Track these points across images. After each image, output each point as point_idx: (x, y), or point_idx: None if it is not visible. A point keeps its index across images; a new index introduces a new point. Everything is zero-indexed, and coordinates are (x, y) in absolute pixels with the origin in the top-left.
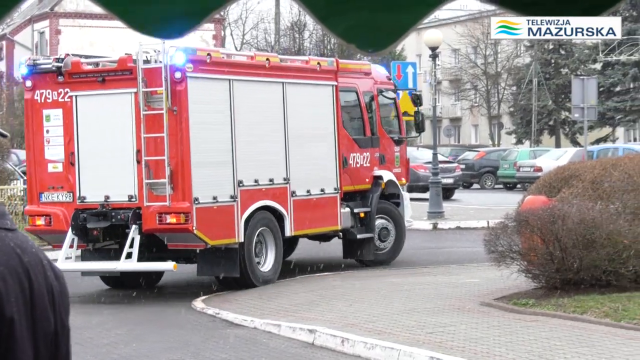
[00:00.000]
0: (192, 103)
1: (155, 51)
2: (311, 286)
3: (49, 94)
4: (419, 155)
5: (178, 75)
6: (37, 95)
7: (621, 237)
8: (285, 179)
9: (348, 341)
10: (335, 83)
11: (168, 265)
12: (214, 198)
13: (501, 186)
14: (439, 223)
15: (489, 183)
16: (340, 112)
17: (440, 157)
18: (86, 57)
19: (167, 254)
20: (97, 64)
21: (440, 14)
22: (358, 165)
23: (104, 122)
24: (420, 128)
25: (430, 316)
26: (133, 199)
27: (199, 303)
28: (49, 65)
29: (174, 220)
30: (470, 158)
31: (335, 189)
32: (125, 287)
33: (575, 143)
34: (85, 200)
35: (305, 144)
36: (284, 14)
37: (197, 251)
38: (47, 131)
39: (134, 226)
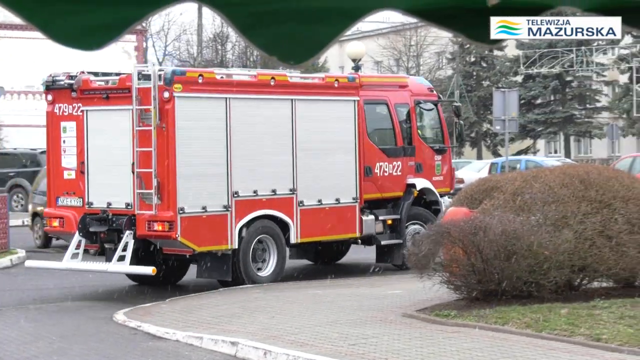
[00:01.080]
0: (180, 120)
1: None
2: (233, 298)
3: (65, 108)
4: None
5: (166, 94)
6: (56, 109)
7: (542, 248)
8: (291, 190)
9: (270, 353)
10: (357, 98)
11: (147, 270)
12: (203, 208)
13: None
14: None
15: None
16: (364, 124)
17: None
18: (96, 74)
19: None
20: (107, 82)
21: (362, 26)
22: (386, 174)
23: (108, 135)
24: (460, 138)
25: (353, 328)
26: (129, 207)
27: (120, 316)
28: (64, 82)
29: (160, 228)
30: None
31: (354, 198)
32: (150, 283)
33: (497, 155)
34: (92, 206)
35: (318, 156)
36: (206, 26)
37: (187, 256)
38: (64, 141)
39: (128, 231)
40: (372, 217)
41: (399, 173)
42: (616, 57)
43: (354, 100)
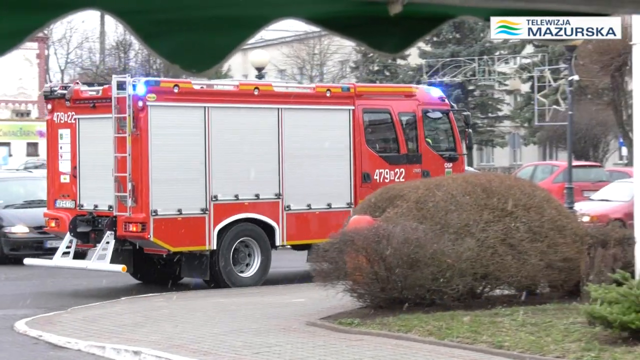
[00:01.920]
0: (154, 128)
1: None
2: (136, 307)
3: (62, 116)
4: None
5: (140, 104)
6: (55, 117)
7: (445, 256)
8: (277, 195)
9: None
10: (352, 107)
11: (117, 267)
12: (179, 210)
13: None
14: None
15: None
16: (362, 132)
17: None
18: (89, 84)
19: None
20: (97, 92)
21: (266, 34)
22: (387, 181)
23: (96, 142)
24: (470, 146)
25: (256, 336)
26: (111, 209)
27: (21, 325)
28: (58, 92)
29: (134, 229)
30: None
31: (348, 204)
32: (156, 282)
33: None
34: (82, 208)
35: (308, 163)
36: (109, 33)
37: (163, 256)
38: (61, 147)
39: (109, 232)
40: None
41: (401, 180)
42: (518, 66)
43: (349, 109)
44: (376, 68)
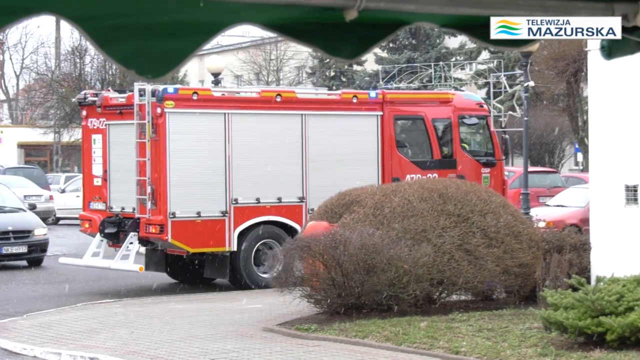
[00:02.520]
0: (172, 133)
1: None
2: (92, 314)
3: (95, 122)
4: None
5: (158, 110)
6: (89, 123)
7: (401, 262)
8: (300, 198)
9: None
10: (380, 113)
11: (135, 267)
12: (197, 213)
13: None
14: None
15: None
16: (392, 138)
17: None
18: (119, 91)
19: None
20: (123, 99)
21: (222, 40)
22: None
23: (123, 147)
24: (506, 152)
25: (213, 342)
26: (134, 211)
27: None
28: (90, 99)
29: (153, 230)
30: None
31: None
32: (189, 282)
33: None
34: (111, 210)
35: (334, 167)
36: (64, 39)
37: (184, 257)
38: (94, 152)
39: (132, 233)
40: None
41: None
42: (474, 72)
43: (377, 115)
44: (332, 74)
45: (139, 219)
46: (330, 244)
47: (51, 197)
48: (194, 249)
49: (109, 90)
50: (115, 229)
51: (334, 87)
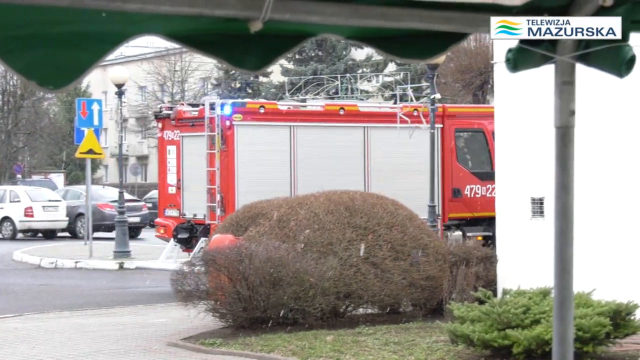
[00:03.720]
0: (240, 145)
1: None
2: None
3: (169, 134)
4: (105, 194)
5: (227, 123)
6: (164, 135)
7: (307, 275)
8: None
9: None
10: (441, 125)
11: None
12: None
13: None
14: (125, 263)
15: None
16: (453, 150)
17: (126, 196)
18: (192, 105)
19: None
20: (196, 112)
21: (126, 50)
22: (478, 196)
23: (195, 157)
24: None
25: (117, 358)
26: (205, 217)
27: None
28: (165, 113)
29: None
30: (157, 197)
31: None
32: None
33: None
34: (184, 216)
35: (395, 177)
36: None
37: None
38: (169, 162)
39: (203, 238)
40: (458, 233)
41: (494, 195)
42: (380, 84)
43: (437, 128)
44: (238, 85)
45: (209, 225)
46: (235, 257)
47: None
48: None
49: (182, 105)
50: (188, 234)
51: (240, 98)
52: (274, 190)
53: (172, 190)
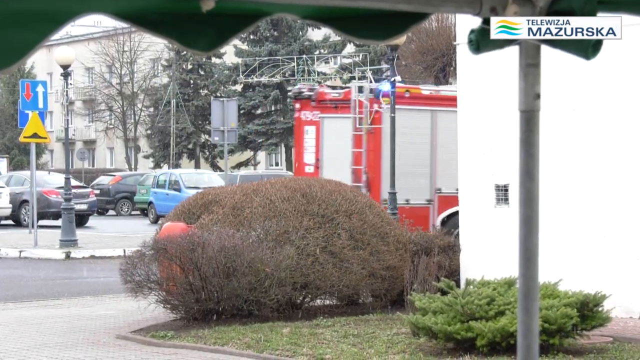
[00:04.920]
0: (386, 127)
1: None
2: None
3: (307, 114)
4: (50, 180)
5: (376, 106)
6: (302, 115)
7: (263, 265)
8: None
9: None
10: None
11: None
12: (407, 200)
13: (138, 212)
14: (72, 252)
15: (126, 209)
16: None
17: (73, 182)
18: (332, 87)
19: None
20: (338, 94)
21: (72, 30)
22: None
23: (337, 138)
24: None
25: (63, 351)
26: None
27: None
28: (305, 94)
29: None
30: (106, 183)
31: None
32: None
33: (216, 167)
34: None
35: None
36: None
37: None
38: (306, 142)
39: None
40: None
41: None
42: (338, 66)
43: None
44: (190, 67)
45: None
46: (187, 246)
47: None
48: None
49: (322, 86)
50: None
51: (192, 82)
52: (417, 172)
53: (309, 169)
